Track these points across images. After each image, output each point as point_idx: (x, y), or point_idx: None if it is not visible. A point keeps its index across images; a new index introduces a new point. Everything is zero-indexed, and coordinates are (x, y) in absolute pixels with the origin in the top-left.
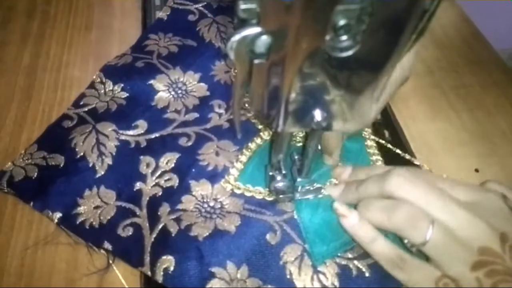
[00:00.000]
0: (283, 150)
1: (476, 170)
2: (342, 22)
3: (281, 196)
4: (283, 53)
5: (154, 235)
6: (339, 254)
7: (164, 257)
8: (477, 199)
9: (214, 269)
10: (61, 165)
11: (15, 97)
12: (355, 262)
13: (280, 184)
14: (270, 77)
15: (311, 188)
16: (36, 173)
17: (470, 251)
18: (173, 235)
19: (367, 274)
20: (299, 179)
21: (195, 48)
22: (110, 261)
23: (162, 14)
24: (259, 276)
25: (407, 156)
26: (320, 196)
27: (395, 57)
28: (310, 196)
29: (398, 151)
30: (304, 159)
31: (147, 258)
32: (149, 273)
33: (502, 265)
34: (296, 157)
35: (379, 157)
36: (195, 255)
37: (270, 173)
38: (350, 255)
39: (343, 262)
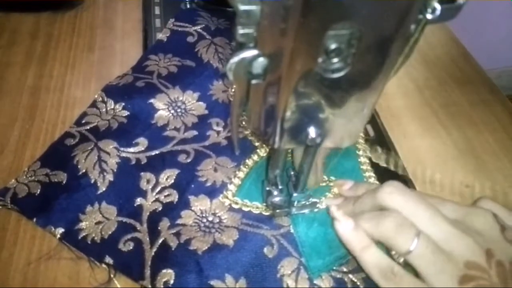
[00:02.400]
0: (279, 166)
1: (467, 186)
2: (333, 46)
3: (277, 210)
4: (278, 74)
5: (154, 249)
6: (334, 268)
7: (164, 271)
8: (466, 216)
9: (213, 282)
10: (64, 182)
11: (19, 116)
12: (350, 275)
13: (276, 199)
14: (266, 97)
15: (307, 203)
16: (39, 190)
17: (457, 265)
18: (173, 249)
19: None
20: (295, 194)
21: (194, 68)
22: (112, 275)
23: (162, 35)
24: None
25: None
26: (316, 210)
27: (383, 77)
28: (306, 211)
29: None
30: (300, 174)
31: (147, 272)
32: (149, 286)
33: (488, 281)
34: (292, 173)
35: (372, 174)
36: (194, 269)
37: (267, 188)
38: (345, 269)
39: (338, 276)
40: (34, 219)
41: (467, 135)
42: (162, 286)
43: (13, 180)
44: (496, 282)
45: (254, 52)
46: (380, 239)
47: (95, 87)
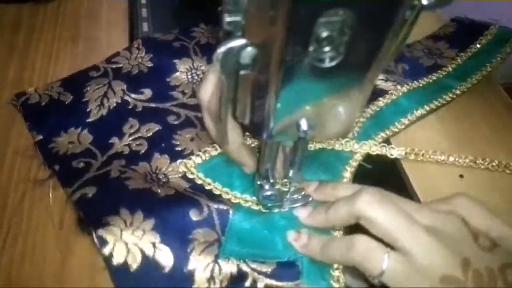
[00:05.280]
0: (270, 159)
1: (461, 176)
2: (324, 34)
3: (269, 204)
4: (268, 64)
5: (96, 173)
6: (246, 260)
7: (89, 187)
8: (440, 224)
9: (122, 210)
10: (67, 102)
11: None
12: (256, 274)
13: (268, 192)
14: (255, 88)
15: (299, 197)
16: (46, 102)
17: (432, 280)
18: (109, 177)
19: None
20: (291, 172)
21: None
22: (49, 176)
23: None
24: (160, 234)
25: None
26: (263, 210)
27: (377, 66)
28: (299, 204)
29: None
30: (295, 152)
31: (77, 183)
32: (69, 192)
33: None
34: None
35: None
36: (114, 195)
37: (258, 182)
38: (254, 266)
39: (244, 269)
40: (27, 123)
41: (463, 125)
42: (78, 195)
43: (32, 89)
44: None
45: (242, 41)
46: (352, 265)
47: None
